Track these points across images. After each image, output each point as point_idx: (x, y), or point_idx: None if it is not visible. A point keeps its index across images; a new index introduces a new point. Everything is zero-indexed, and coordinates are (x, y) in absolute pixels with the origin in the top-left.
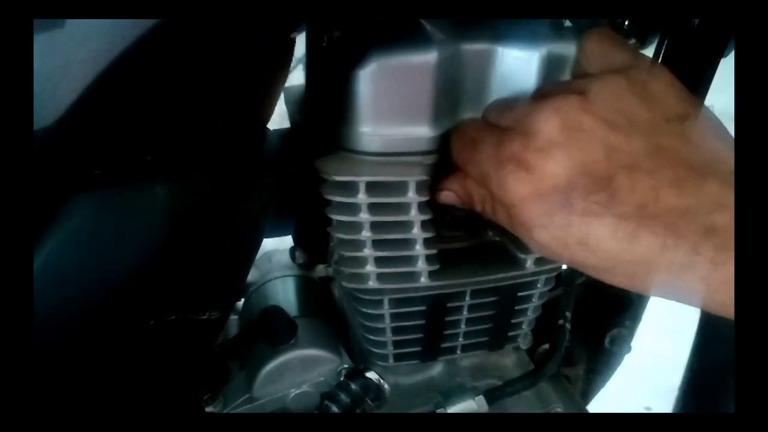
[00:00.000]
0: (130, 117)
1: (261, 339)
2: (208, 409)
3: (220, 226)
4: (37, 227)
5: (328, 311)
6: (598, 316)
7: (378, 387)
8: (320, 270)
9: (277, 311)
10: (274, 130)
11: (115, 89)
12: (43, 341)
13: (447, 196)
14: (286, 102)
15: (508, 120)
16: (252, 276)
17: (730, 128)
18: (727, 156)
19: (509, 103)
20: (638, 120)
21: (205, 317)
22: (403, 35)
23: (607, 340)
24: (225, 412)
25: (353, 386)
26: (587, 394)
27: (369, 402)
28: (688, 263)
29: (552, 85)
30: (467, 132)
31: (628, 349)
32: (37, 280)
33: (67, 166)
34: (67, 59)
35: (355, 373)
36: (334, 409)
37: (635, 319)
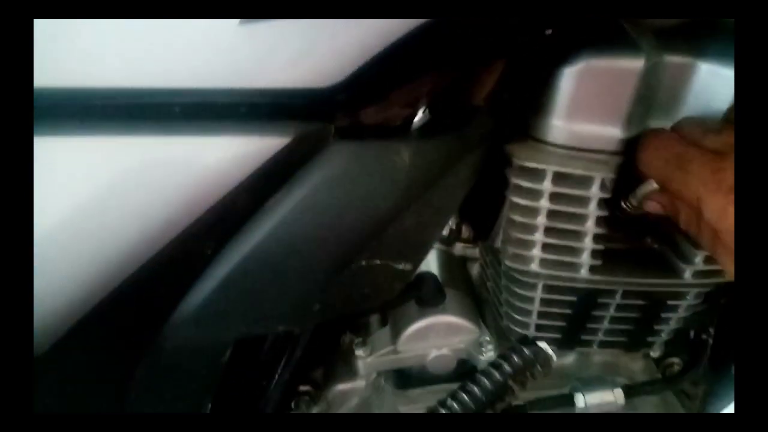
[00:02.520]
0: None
1: (413, 300)
2: (357, 353)
3: (435, 189)
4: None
5: (465, 286)
6: (729, 339)
7: (547, 355)
8: (459, 248)
9: (431, 277)
10: None
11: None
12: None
13: (654, 207)
14: None
15: (717, 143)
16: None
17: None
18: None
19: (711, 125)
20: None
21: (401, 267)
22: (612, 39)
23: (734, 367)
24: (371, 358)
25: (526, 351)
26: None
27: (538, 368)
28: None
29: None
30: (670, 147)
31: None
32: (292, 215)
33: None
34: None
35: (527, 341)
36: (506, 367)
37: None
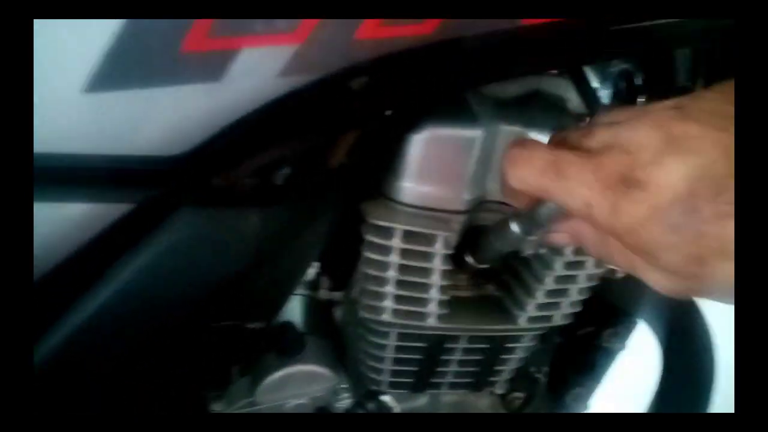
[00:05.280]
0: (244, 155)
1: (271, 350)
2: (214, 407)
3: (287, 251)
4: (147, 231)
5: (329, 331)
6: (564, 374)
7: (388, 408)
8: (324, 293)
9: (290, 327)
10: None
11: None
12: (134, 327)
13: (560, 238)
14: None
15: (594, 142)
16: None
17: None
18: None
19: (579, 129)
20: None
21: (252, 327)
22: (454, 110)
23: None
24: (228, 412)
25: (369, 406)
26: None
27: None
28: None
29: (631, 110)
30: (542, 156)
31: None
32: (137, 278)
33: (180, 184)
34: (211, 107)
35: (370, 395)
36: None
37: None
